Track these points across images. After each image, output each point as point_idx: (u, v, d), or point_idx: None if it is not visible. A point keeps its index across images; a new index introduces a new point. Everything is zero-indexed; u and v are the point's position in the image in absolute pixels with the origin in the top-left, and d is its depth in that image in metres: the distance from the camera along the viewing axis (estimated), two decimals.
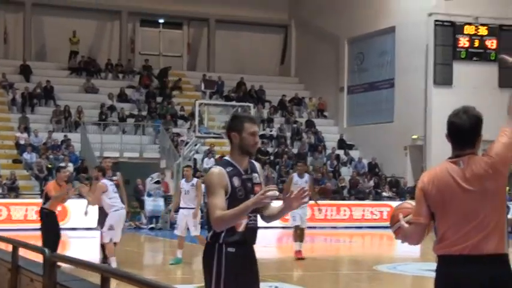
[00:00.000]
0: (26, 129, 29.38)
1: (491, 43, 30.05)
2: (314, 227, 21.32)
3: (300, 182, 14.80)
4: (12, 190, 25.86)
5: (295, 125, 33.56)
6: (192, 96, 33.31)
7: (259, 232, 4.87)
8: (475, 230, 4.10)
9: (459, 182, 4.14)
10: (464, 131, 4.23)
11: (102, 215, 13.39)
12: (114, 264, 12.68)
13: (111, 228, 12.93)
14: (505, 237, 4.16)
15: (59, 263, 5.75)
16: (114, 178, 13.94)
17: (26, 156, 27.85)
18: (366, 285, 12.26)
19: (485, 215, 4.11)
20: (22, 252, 6.90)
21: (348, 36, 34.14)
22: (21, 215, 23.58)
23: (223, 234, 4.70)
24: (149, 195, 26.04)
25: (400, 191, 29.20)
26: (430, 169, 4.38)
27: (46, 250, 5.83)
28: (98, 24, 36.41)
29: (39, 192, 23.66)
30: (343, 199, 28.37)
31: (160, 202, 25.93)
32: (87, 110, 31.23)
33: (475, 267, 4.08)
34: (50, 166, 27.35)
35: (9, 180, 25.99)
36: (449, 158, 4.27)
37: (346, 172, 30.84)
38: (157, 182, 26.49)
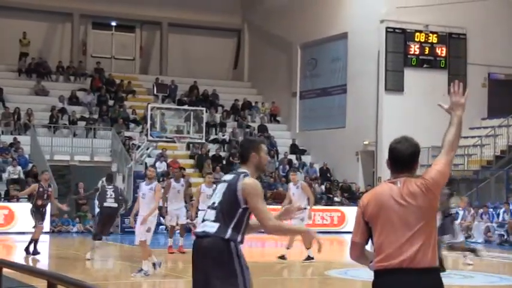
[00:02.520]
0: None
1: (441, 50, 30.52)
2: (263, 232, 21.27)
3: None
4: None
5: (247, 130, 33.59)
6: (144, 100, 33.09)
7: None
8: (409, 243, 4.41)
9: (395, 198, 4.52)
10: (405, 157, 4.68)
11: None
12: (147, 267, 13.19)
13: (149, 230, 13.37)
14: (436, 252, 4.51)
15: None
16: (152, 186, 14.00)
17: None
18: None
19: (419, 229, 4.44)
20: None
21: (300, 42, 34.30)
22: None
23: (240, 235, 5.41)
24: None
25: (352, 196, 29.40)
26: (371, 190, 4.84)
27: None
28: (49, 26, 36.00)
29: None
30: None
31: None
32: (38, 112, 30.83)
33: (411, 280, 4.39)
34: None
35: None
36: (388, 179, 4.69)
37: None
38: None
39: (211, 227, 5.38)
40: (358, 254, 4.70)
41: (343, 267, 15.07)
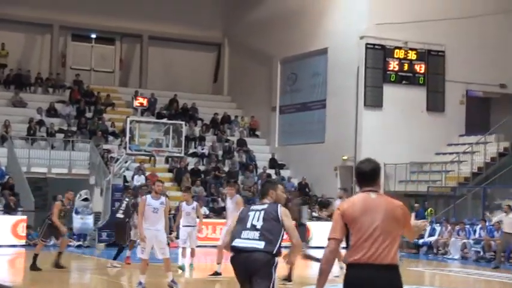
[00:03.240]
0: None
1: (420, 67, 30.75)
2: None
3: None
4: None
5: (227, 144, 33.57)
6: (123, 113, 32.97)
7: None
8: (377, 243, 5.48)
9: (370, 204, 5.61)
10: (367, 173, 5.77)
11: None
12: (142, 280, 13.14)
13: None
14: (397, 252, 5.63)
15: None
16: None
17: None
18: None
19: (386, 232, 5.51)
20: None
21: (280, 57, 34.39)
22: None
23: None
24: (77, 212, 25.53)
25: (331, 211, 29.38)
26: (349, 198, 5.91)
27: None
28: (28, 37, 35.85)
29: None
30: None
31: (89, 220, 25.51)
32: (15, 124, 30.59)
33: (377, 273, 5.44)
34: None
35: None
36: (362, 191, 5.77)
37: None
38: (85, 200, 26.00)
39: (258, 244, 6.96)
40: (337, 248, 5.61)
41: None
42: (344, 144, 30.24)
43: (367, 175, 5.77)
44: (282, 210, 7.15)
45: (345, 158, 30.34)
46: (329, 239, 5.65)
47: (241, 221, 7.16)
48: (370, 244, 5.47)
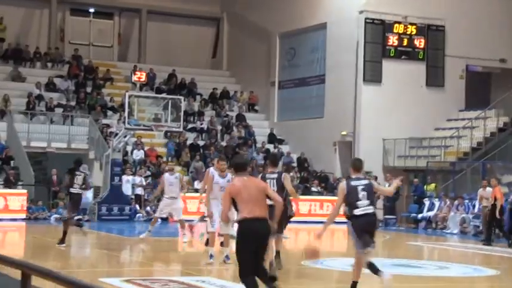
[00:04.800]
0: None
1: (420, 42, 30.58)
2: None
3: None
4: None
5: (225, 119, 33.51)
6: (122, 88, 32.92)
7: None
8: (254, 204, 8.44)
9: (247, 183, 8.62)
10: (241, 164, 9.05)
11: None
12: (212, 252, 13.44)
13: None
14: (267, 209, 8.59)
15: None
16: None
17: None
18: (294, 281, 12.27)
19: (260, 199, 8.55)
20: None
21: (279, 31, 34.21)
22: None
23: None
24: None
25: (329, 186, 29.47)
26: (236, 179, 8.95)
27: None
28: (26, 11, 35.64)
29: None
30: None
31: (89, 194, 25.50)
32: (14, 98, 30.53)
33: (258, 223, 8.39)
34: None
35: None
36: (237, 175, 8.95)
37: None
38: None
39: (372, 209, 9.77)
40: (227, 210, 8.84)
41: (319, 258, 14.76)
42: (343, 120, 30.19)
43: (241, 165, 8.92)
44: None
45: (344, 133, 30.31)
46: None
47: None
48: (250, 205, 8.43)
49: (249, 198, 8.39)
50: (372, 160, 27.52)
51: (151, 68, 34.64)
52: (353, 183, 9.64)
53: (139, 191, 26.79)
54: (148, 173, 28.07)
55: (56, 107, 31.01)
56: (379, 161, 29.29)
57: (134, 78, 32.90)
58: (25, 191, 25.25)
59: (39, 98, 31.03)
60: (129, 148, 29.00)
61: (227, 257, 13.07)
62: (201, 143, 31.51)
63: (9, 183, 25.54)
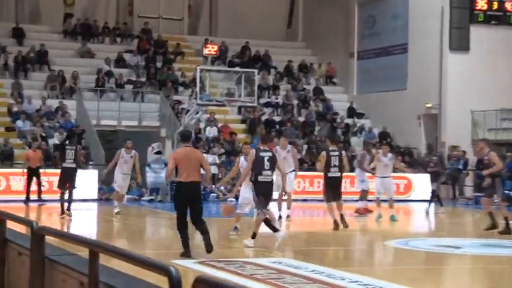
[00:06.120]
0: (20, 96, 28.24)
1: (511, 5, 29.06)
2: (320, 200, 20.07)
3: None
4: (8, 159, 24.94)
5: (302, 93, 32.57)
6: (193, 62, 32.22)
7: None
8: (191, 170, 10.67)
9: (188, 153, 10.86)
10: (185, 135, 11.49)
11: None
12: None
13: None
14: (200, 174, 10.98)
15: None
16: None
17: (19, 124, 26.84)
18: (379, 261, 12.20)
19: (195, 165, 10.78)
20: (10, 225, 7.00)
21: None
22: (21, 185, 22.53)
23: None
24: (149, 166, 24.70)
25: (414, 162, 27.92)
26: (180, 149, 11.26)
27: (34, 223, 5.89)
28: None
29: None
30: (353, 170, 26.89)
31: (162, 174, 24.54)
32: (83, 75, 30.19)
33: (192, 185, 10.70)
34: (44, 135, 26.11)
35: (5, 147, 25.10)
36: (184, 146, 11.25)
37: (356, 142, 29.54)
38: (158, 153, 25.12)
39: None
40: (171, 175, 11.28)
41: (403, 238, 14.55)
42: (428, 91, 29.47)
43: (185, 137, 11.24)
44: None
45: (429, 105, 29.47)
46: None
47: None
48: (187, 171, 10.60)
49: (188, 165, 10.62)
50: (460, 134, 27.41)
51: (223, 40, 33.84)
52: (261, 154, 12.35)
53: (212, 169, 25.73)
54: (222, 150, 27.15)
55: (126, 83, 30.44)
56: (467, 134, 28.63)
57: (205, 51, 32.37)
58: (96, 170, 24.55)
59: (109, 74, 30.49)
60: (201, 125, 28.25)
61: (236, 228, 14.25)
62: (276, 118, 30.36)
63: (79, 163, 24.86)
